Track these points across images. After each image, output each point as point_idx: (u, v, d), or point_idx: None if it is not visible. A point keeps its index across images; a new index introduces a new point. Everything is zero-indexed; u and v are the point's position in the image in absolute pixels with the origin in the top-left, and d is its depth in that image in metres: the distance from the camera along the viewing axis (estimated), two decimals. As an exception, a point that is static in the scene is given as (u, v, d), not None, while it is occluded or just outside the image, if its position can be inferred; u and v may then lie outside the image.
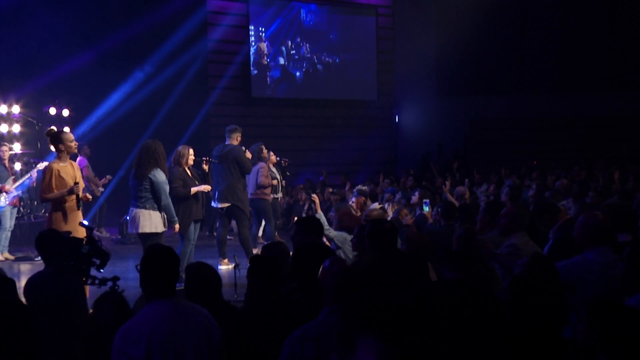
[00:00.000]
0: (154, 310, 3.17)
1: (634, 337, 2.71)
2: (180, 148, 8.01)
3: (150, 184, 6.97)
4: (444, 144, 17.86)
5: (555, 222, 5.54)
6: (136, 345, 3.05)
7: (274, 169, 10.44)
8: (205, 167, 8.48)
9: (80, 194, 6.18)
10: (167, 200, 7.05)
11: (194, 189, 7.80)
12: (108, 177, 11.70)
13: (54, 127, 6.48)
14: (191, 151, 7.96)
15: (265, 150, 10.00)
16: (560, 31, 17.69)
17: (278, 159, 10.89)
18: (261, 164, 9.73)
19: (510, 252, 4.89)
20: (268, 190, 9.71)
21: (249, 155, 9.14)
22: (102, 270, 4.30)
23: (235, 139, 8.91)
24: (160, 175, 7.02)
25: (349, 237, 5.92)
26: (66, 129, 6.50)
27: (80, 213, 6.25)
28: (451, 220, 6.36)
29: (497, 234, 5.28)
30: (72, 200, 6.14)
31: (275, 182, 10.13)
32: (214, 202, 8.90)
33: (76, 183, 6.15)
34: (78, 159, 10.54)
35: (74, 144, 6.25)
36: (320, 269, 3.17)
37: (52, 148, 6.37)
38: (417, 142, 18.06)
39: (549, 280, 3.55)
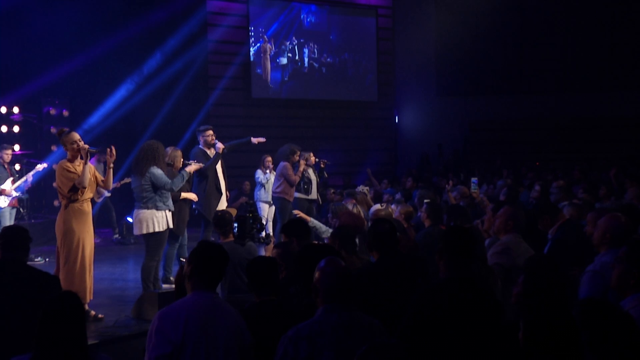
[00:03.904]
0: (194, 299, 3.30)
1: (622, 340, 2.69)
2: (172, 150, 7.88)
3: (150, 182, 6.94)
4: (444, 144, 17.85)
5: (554, 223, 5.54)
6: (174, 328, 3.16)
7: (309, 170, 10.07)
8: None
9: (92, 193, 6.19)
10: (173, 184, 7.02)
11: (183, 194, 7.73)
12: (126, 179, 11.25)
13: (64, 128, 6.33)
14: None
15: (297, 153, 9.67)
16: (560, 31, 17.69)
17: (317, 160, 10.35)
18: (283, 162, 9.55)
19: (499, 251, 4.87)
20: (291, 191, 9.47)
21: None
22: (261, 234, 6.07)
23: (200, 141, 8.48)
24: (157, 170, 6.97)
25: None
26: (72, 130, 6.34)
27: (90, 215, 6.20)
28: (436, 221, 6.24)
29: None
30: (85, 202, 6.11)
31: (295, 179, 9.64)
32: None
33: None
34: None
35: (75, 146, 6.05)
36: (316, 269, 3.19)
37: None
38: (417, 142, 18.05)
39: (555, 279, 3.50)
